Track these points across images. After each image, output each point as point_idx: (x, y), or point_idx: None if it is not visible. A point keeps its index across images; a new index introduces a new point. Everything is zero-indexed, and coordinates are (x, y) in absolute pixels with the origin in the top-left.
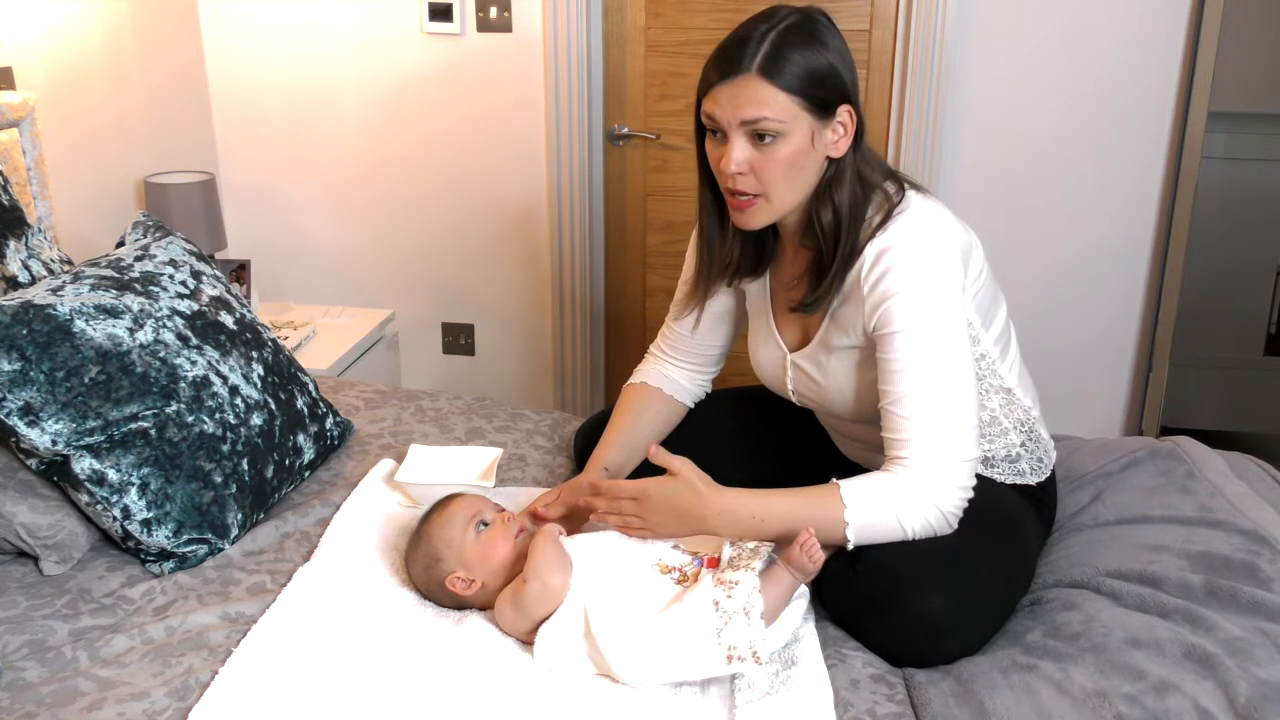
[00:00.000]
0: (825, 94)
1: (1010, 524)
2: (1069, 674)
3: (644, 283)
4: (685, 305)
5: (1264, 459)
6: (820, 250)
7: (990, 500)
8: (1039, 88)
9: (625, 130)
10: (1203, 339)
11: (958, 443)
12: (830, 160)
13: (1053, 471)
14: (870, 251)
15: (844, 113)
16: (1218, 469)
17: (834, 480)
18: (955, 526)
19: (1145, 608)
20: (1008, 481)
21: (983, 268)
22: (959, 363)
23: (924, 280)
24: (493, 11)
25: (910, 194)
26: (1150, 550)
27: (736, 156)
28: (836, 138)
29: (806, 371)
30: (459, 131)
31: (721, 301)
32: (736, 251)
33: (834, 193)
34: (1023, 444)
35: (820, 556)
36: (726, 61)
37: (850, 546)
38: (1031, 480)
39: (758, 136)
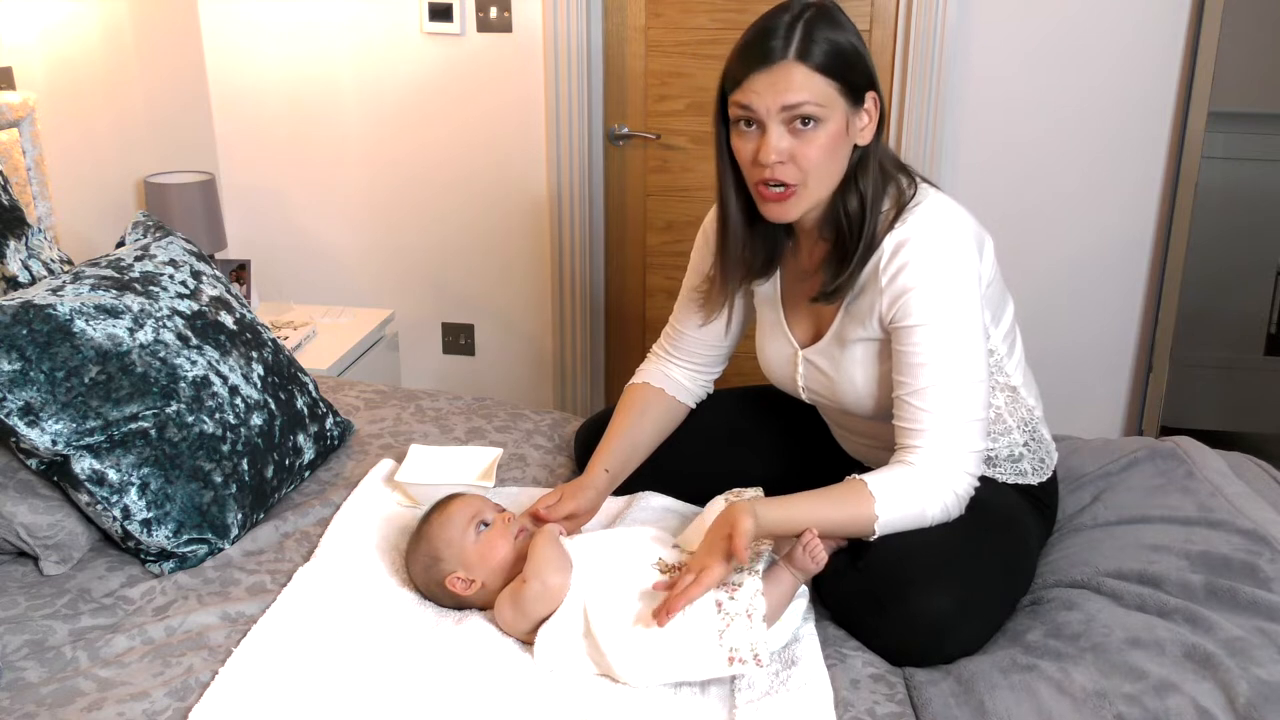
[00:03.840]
0: (857, 78)
1: (1011, 523)
2: (1069, 674)
3: (644, 283)
4: (710, 309)
5: (1264, 459)
6: (839, 239)
7: (992, 500)
8: (1039, 88)
9: (625, 130)
10: (1203, 339)
11: (971, 434)
12: (857, 148)
13: (1054, 472)
14: (889, 243)
15: (870, 99)
16: (1218, 469)
17: (855, 476)
18: (964, 510)
19: (1145, 608)
20: (1010, 481)
21: (994, 263)
22: (976, 356)
23: (944, 273)
24: (493, 11)
25: (924, 186)
26: (1150, 550)
27: (776, 145)
28: (864, 125)
29: (818, 366)
30: (459, 131)
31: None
32: (749, 252)
33: (859, 181)
34: (1025, 443)
35: (823, 557)
36: (760, 51)
37: (874, 538)
38: (1033, 480)
39: (799, 123)
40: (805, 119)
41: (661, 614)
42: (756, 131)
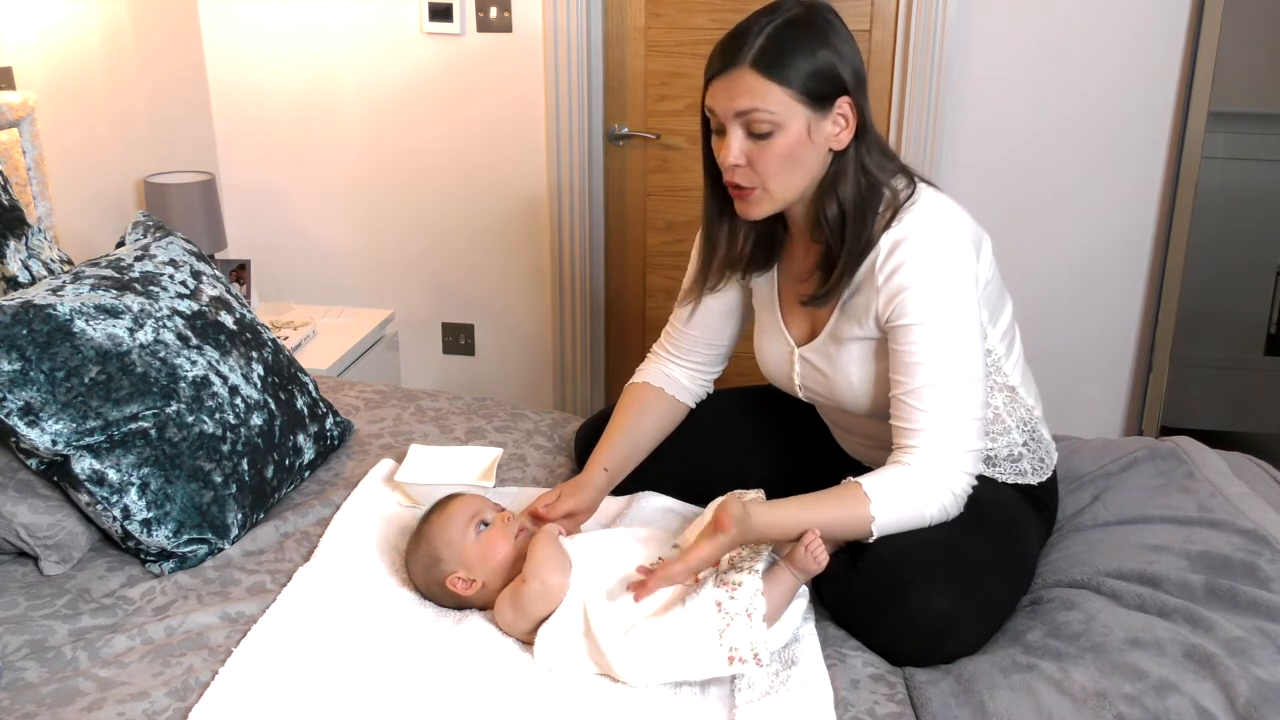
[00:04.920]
0: (820, 87)
1: (1011, 523)
2: (1069, 674)
3: (644, 283)
4: (687, 297)
5: (1264, 459)
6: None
7: (992, 500)
8: (1039, 88)
9: (625, 130)
10: (1203, 339)
11: (967, 434)
12: (834, 153)
13: (1054, 472)
14: (885, 242)
15: (843, 105)
16: (1218, 469)
17: (851, 479)
18: (963, 509)
19: (1145, 608)
20: (1010, 481)
21: (992, 263)
22: (972, 355)
23: (940, 272)
24: (493, 11)
25: (921, 187)
26: (1150, 550)
27: (733, 148)
28: (838, 130)
29: (815, 365)
30: (459, 132)
31: (727, 298)
32: (748, 244)
33: (838, 187)
34: (1025, 443)
35: (825, 558)
36: (723, 55)
37: (872, 539)
38: (1033, 480)
39: (754, 128)
40: (758, 124)
41: (639, 589)
42: (721, 132)
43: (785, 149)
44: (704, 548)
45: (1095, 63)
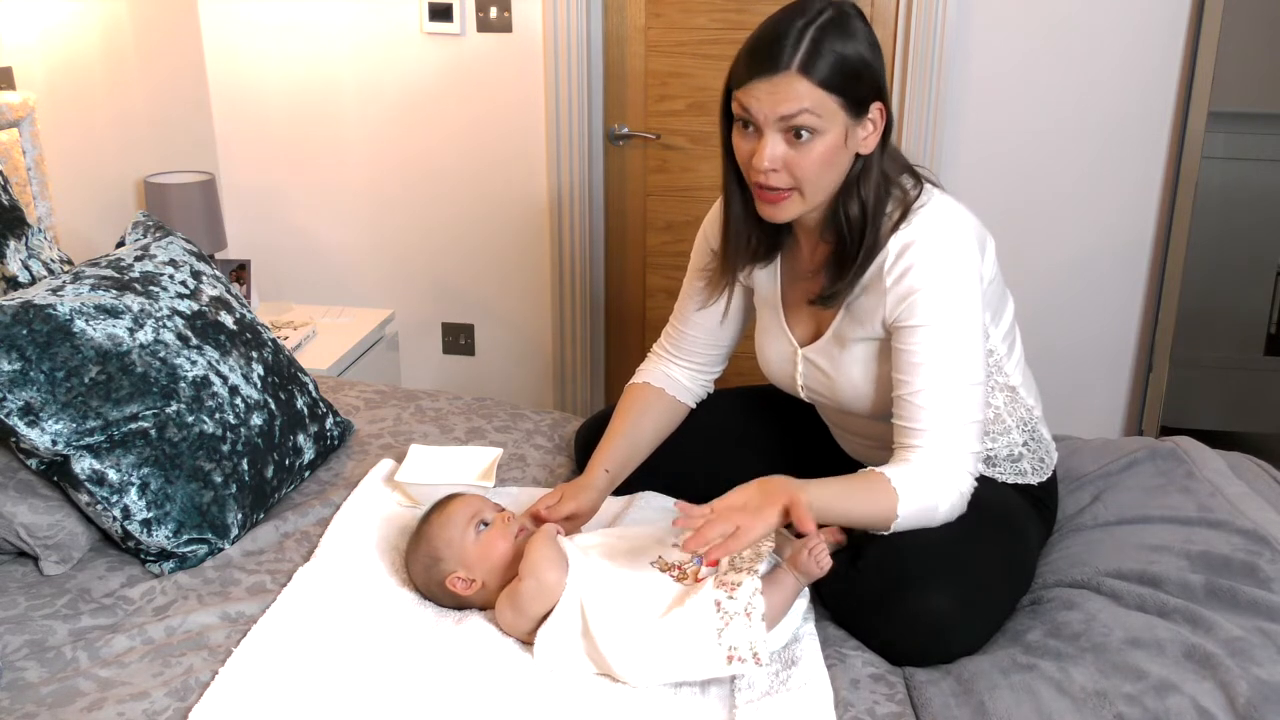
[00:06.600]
0: (860, 91)
1: (1011, 523)
2: (1069, 674)
3: (644, 283)
4: (712, 291)
5: (1264, 459)
6: (841, 243)
7: (992, 500)
8: (1039, 87)
9: (625, 130)
10: (1203, 339)
11: (969, 435)
12: (858, 156)
13: (1054, 472)
14: (894, 244)
15: (875, 110)
16: (1218, 469)
17: (874, 469)
18: (965, 508)
19: (1145, 608)
20: (1010, 481)
21: (995, 263)
22: (975, 357)
23: (949, 275)
24: (493, 11)
25: (928, 188)
26: (1150, 550)
27: (770, 153)
28: (866, 134)
29: (818, 365)
30: (459, 132)
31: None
32: (754, 240)
33: (861, 188)
34: (1025, 443)
35: (828, 562)
36: (765, 56)
37: (889, 532)
38: (1033, 480)
39: (794, 133)
40: (802, 129)
41: (694, 543)
42: (754, 134)
43: (823, 153)
44: (760, 528)
45: (1095, 63)
